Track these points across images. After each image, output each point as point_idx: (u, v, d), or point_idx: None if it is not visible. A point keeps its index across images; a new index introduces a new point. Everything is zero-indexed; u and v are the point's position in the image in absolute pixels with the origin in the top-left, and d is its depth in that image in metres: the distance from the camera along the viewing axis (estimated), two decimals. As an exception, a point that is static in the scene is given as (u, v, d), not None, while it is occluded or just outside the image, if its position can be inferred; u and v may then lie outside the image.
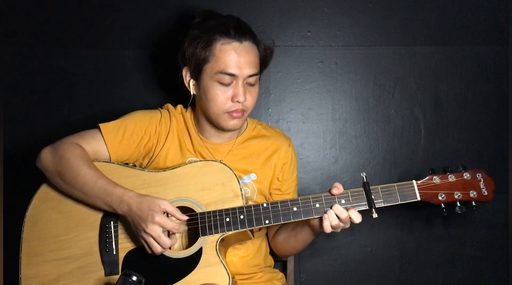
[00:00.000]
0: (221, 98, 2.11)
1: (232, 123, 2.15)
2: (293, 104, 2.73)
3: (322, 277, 2.73)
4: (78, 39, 2.68)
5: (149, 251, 2.00)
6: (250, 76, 2.13)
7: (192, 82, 2.20)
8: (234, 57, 2.09)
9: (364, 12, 2.73)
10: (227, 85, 2.11)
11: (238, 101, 2.11)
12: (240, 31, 2.13)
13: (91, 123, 2.21)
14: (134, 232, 2.02)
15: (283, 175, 2.31)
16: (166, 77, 2.66)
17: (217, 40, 2.11)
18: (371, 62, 2.74)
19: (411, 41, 2.74)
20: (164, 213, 1.97)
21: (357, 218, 1.99)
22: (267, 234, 2.37)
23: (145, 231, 1.95)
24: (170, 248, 2.03)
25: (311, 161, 2.73)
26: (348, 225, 2.02)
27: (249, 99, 2.14)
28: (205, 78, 2.13)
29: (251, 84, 2.16)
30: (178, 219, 1.99)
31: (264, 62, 2.23)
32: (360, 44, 2.73)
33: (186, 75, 2.21)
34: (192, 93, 2.21)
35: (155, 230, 1.94)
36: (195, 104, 2.28)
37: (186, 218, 2.01)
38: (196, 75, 2.16)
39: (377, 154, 2.74)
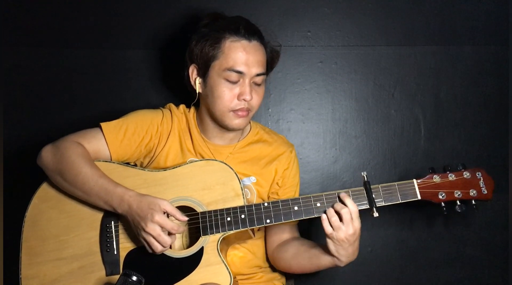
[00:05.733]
0: (227, 95, 2.12)
1: (237, 122, 2.15)
2: (293, 104, 2.73)
3: (322, 277, 2.72)
4: (80, 39, 2.68)
5: (150, 250, 1.99)
6: (258, 75, 2.13)
7: (198, 80, 2.20)
8: (243, 55, 2.10)
9: (364, 12, 2.73)
10: (234, 83, 2.12)
11: (244, 100, 2.12)
12: (249, 30, 2.14)
13: (93, 123, 2.21)
14: (134, 231, 2.02)
15: (283, 180, 2.30)
16: (168, 77, 2.67)
17: (227, 38, 2.12)
18: (371, 62, 2.74)
19: (411, 41, 2.74)
20: (164, 213, 1.97)
21: (353, 207, 1.96)
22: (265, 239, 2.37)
23: (144, 230, 1.95)
24: (170, 247, 2.03)
25: (311, 161, 2.73)
26: (350, 229, 1.96)
27: (255, 98, 2.15)
28: (212, 75, 2.14)
29: (258, 84, 2.16)
30: (177, 219, 1.99)
31: (270, 64, 2.24)
32: (360, 44, 2.73)
33: (192, 73, 2.21)
34: (197, 92, 2.21)
35: (154, 229, 1.94)
36: (199, 104, 2.28)
37: (186, 218, 2.00)
38: (203, 73, 2.16)
39: (377, 154, 2.74)
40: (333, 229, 1.97)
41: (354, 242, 1.99)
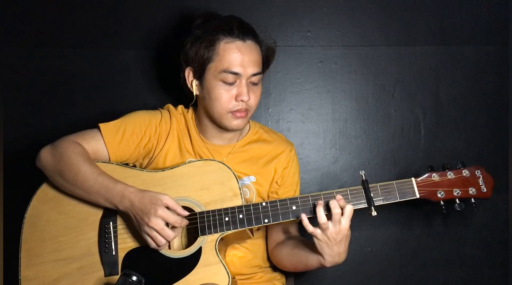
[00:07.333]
0: (225, 97, 2.11)
1: (235, 123, 2.15)
2: (293, 104, 2.73)
3: (322, 277, 2.72)
4: (78, 39, 2.67)
5: (153, 245, 1.99)
6: (254, 75, 2.13)
7: (195, 83, 2.20)
8: (238, 56, 2.10)
9: (364, 12, 2.73)
10: (231, 84, 2.11)
11: (242, 100, 2.11)
12: (243, 30, 2.14)
13: (92, 123, 2.21)
14: (136, 227, 2.01)
15: (282, 179, 2.30)
16: (167, 78, 2.66)
17: (221, 39, 2.11)
18: (371, 62, 2.73)
19: (411, 41, 2.73)
20: (165, 207, 1.97)
21: (348, 209, 1.94)
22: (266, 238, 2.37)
23: (148, 225, 1.95)
24: (169, 247, 2.03)
25: (311, 161, 2.73)
26: (335, 228, 1.94)
27: (252, 98, 2.15)
28: (208, 77, 2.13)
29: (255, 84, 2.16)
30: (178, 213, 1.99)
31: (266, 62, 2.23)
32: (360, 44, 2.73)
33: (188, 75, 2.21)
34: (194, 94, 2.21)
35: (158, 223, 1.94)
36: (196, 104, 2.28)
37: (186, 213, 2.00)
38: (200, 75, 2.16)
39: (377, 154, 2.73)
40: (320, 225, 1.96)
41: (340, 242, 1.97)
